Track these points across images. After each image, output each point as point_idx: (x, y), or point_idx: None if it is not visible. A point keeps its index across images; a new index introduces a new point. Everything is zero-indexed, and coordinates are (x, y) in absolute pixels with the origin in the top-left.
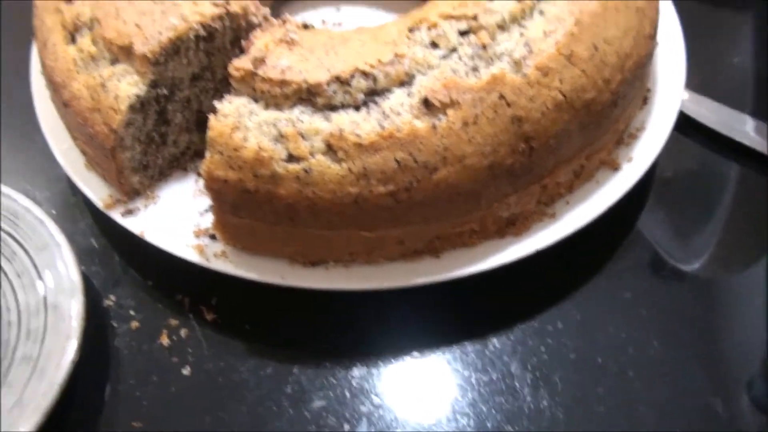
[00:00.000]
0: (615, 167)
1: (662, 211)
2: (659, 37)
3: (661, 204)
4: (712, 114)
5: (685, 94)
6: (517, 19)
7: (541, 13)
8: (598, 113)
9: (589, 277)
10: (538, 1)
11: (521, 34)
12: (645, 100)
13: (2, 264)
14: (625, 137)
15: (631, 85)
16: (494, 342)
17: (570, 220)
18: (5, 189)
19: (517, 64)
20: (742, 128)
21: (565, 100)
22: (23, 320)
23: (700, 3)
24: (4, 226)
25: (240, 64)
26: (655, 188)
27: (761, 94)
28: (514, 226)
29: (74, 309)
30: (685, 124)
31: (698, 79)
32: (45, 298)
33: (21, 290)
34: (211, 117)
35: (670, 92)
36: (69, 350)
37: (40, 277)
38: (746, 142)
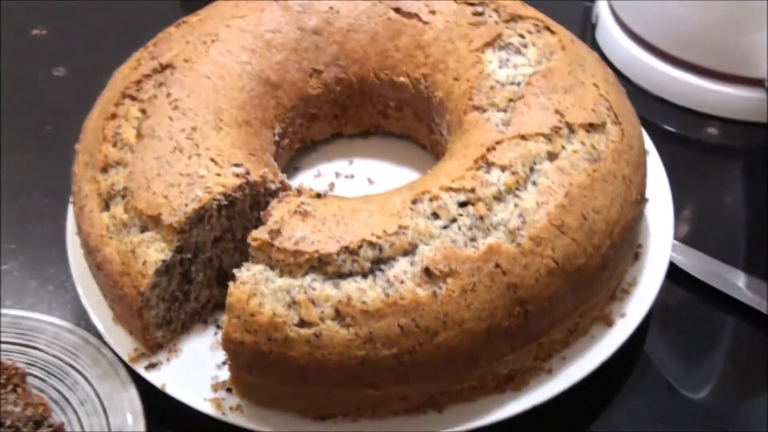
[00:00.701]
0: (609, 323)
1: (657, 360)
2: (648, 194)
3: (654, 352)
4: (704, 267)
5: (677, 247)
6: (511, 190)
7: (534, 183)
8: (589, 276)
9: (587, 423)
10: (531, 173)
11: (516, 205)
12: (636, 256)
13: (66, 394)
14: (618, 293)
15: (620, 247)
16: None
17: (566, 375)
18: (64, 323)
19: (512, 234)
20: (736, 283)
21: (557, 267)
22: None
23: (687, 152)
24: (65, 358)
25: (258, 235)
26: (649, 338)
27: (752, 246)
28: (513, 382)
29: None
30: (678, 275)
31: (689, 231)
32: (108, 424)
33: (85, 417)
34: (231, 284)
35: (660, 247)
36: None
37: (102, 405)
38: (740, 298)
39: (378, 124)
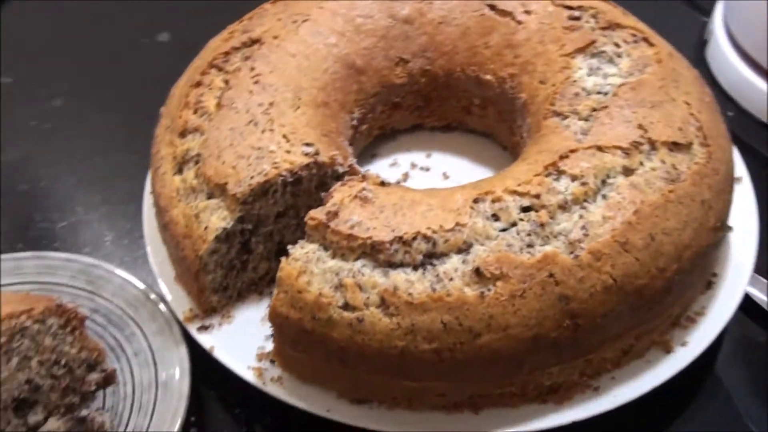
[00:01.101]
0: (667, 349)
1: (721, 394)
2: (732, 222)
3: (720, 385)
4: None
5: (757, 280)
6: (579, 201)
7: (604, 197)
8: (649, 298)
9: None
10: (603, 186)
11: (581, 216)
12: (709, 285)
13: (123, 343)
14: (682, 320)
15: (688, 273)
16: None
17: (614, 396)
18: (130, 277)
19: (572, 245)
20: None
21: (615, 285)
22: (137, 395)
23: None
24: (127, 309)
25: (315, 215)
26: (717, 370)
27: None
28: (556, 395)
29: (183, 390)
30: (754, 310)
31: None
32: (157, 377)
33: (137, 368)
34: (283, 259)
35: (737, 279)
36: (175, 426)
37: (154, 358)
38: None
39: (461, 120)
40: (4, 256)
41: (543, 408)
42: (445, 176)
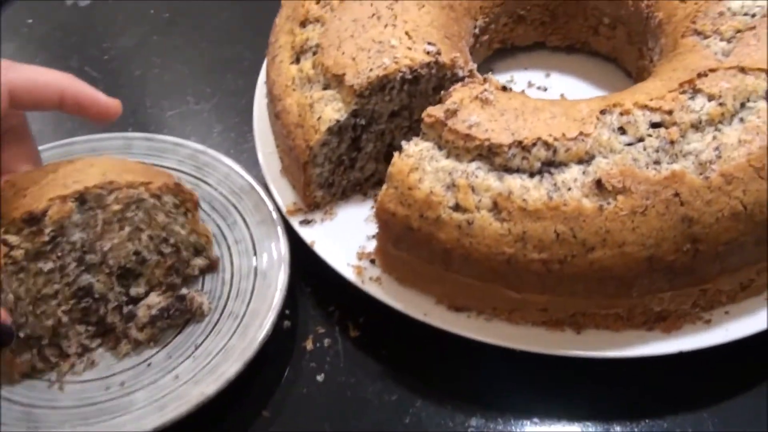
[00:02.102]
0: None
1: None
2: None
3: None
4: None
5: None
6: (714, 122)
7: (742, 120)
8: None
9: (734, 390)
10: (742, 108)
11: (714, 138)
12: None
13: (224, 230)
14: None
15: None
16: (616, 428)
17: (725, 330)
18: (236, 167)
19: (702, 166)
20: None
21: (744, 212)
22: (235, 281)
23: None
24: (230, 198)
25: (433, 112)
26: None
27: None
28: (664, 322)
29: (281, 280)
30: None
31: None
32: (256, 266)
33: (237, 255)
34: (396, 154)
35: None
36: (271, 314)
37: (254, 247)
38: None
39: (585, 41)
40: (114, 134)
41: (648, 335)
42: (563, 98)
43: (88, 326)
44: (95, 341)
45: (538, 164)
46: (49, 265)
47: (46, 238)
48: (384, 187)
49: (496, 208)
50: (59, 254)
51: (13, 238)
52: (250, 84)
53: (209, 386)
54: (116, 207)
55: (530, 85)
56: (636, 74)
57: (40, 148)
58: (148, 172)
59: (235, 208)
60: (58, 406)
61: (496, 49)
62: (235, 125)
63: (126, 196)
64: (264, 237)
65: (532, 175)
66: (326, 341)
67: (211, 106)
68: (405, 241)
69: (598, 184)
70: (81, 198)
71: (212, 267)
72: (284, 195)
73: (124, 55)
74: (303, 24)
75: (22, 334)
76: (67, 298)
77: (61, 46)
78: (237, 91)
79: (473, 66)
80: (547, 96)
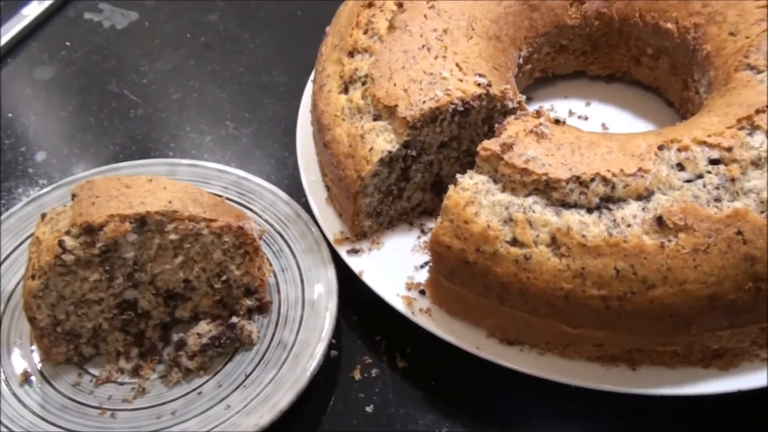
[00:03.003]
0: None
1: None
2: None
3: None
4: None
5: None
6: None
7: None
8: None
9: None
10: None
11: None
12: None
13: (270, 258)
14: None
15: None
16: None
17: None
18: (282, 194)
19: (764, 204)
20: None
21: None
22: (282, 310)
23: None
24: (276, 226)
25: (489, 146)
26: None
27: None
28: (721, 360)
29: (330, 309)
30: None
31: None
32: (304, 295)
33: (284, 283)
34: (451, 187)
35: None
36: (321, 344)
37: (301, 275)
38: None
39: (627, 70)
40: (159, 160)
41: (705, 373)
42: (604, 127)
43: (127, 336)
44: (133, 351)
45: (596, 200)
46: (96, 276)
47: (97, 251)
48: (438, 220)
49: (554, 243)
50: (108, 267)
51: (70, 243)
52: (287, 110)
53: (263, 417)
54: (174, 237)
55: (571, 113)
56: (680, 105)
57: (84, 173)
58: (218, 209)
59: (281, 236)
60: None
61: (537, 78)
62: (275, 151)
63: (185, 228)
64: (311, 266)
65: (590, 210)
66: (374, 371)
67: (250, 131)
68: (459, 274)
69: (659, 221)
70: (141, 220)
71: (262, 309)
72: (330, 224)
73: (162, 78)
74: (351, 54)
75: (60, 330)
76: (110, 307)
77: (100, 70)
78: (275, 116)
79: (522, 98)
80: (588, 125)
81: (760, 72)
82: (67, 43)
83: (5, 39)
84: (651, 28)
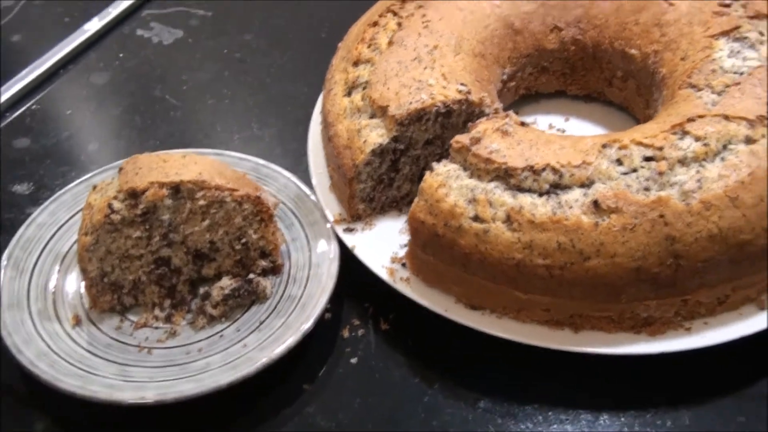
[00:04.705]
0: (762, 307)
1: None
2: None
3: None
4: None
5: None
6: (698, 159)
7: (722, 159)
8: (750, 255)
9: (710, 393)
10: (724, 149)
11: (697, 171)
12: None
13: (283, 230)
14: None
15: None
16: (605, 417)
17: (703, 338)
18: (293, 177)
19: (685, 195)
20: None
21: (719, 234)
22: (292, 272)
23: None
24: (288, 204)
25: (460, 139)
26: None
27: None
28: (650, 327)
29: (332, 271)
30: None
31: None
32: (310, 258)
33: (294, 251)
34: (427, 173)
35: None
36: (324, 295)
37: (308, 243)
38: None
39: (601, 91)
40: (190, 150)
41: (636, 337)
42: (560, 134)
43: (161, 289)
44: (166, 302)
45: (546, 186)
46: (138, 233)
47: (139, 212)
48: (416, 199)
49: (509, 219)
50: (147, 227)
51: (118, 205)
52: (306, 115)
53: (274, 352)
54: (202, 202)
55: (551, 127)
56: (643, 122)
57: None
58: (239, 181)
59: (292, 212)
60: (147, 365)
61: (522, 95)
62: (292, 150)
63: (212, 195)
64: (317, 235)
65: (540, 194)
66: (360, 332)
67: (273, 132)
68: (431, 246)
69: (595, 203)
70: (176, 188)
71: (275, 270)
72: (331, 207)
73: (200, 86)
74: (356, 64)
75: (106, 280)
76: (148, 263)
77: (147, 78)
78: (296, 120)
79: (499, 105)
80: None
81: (699, 89)
82: (121, 55)
83: (68, 49)
84: (619, 54)
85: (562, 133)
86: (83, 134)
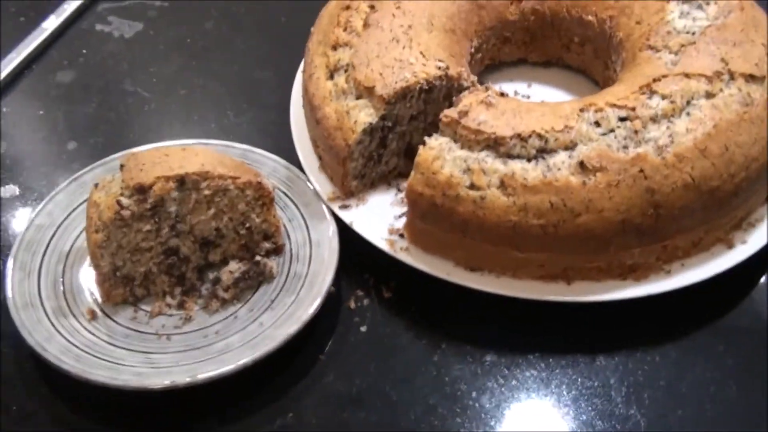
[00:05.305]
0: (729, 245)
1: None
2: None
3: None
4: None
5: None
6: (667, 116)
7: (688, 114)
8: (719, 199)
9: (691, 328)
10: (688, 105)
11: (668, 127)
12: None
13: (278, 212)
14: (744, 224)
15: (753, 182)
16: (601, 359)
17: (682, 279)
18: (281, 161)
19: (659, 149)
20: None
21: (693, 183)
22: (293, 250)
23: None
24: (280, 186)
25: (449, 113)
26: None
27: None
28: (635, 273)
29: (334, 245)
30: None
31: None
32: (309, 236)
33: (292, 230)
34: (421, 147)
35: None
36: (330, 270)
37: (306, 223)
38: None
39: (560, 56)
40: (171, 142)
41: (623, 283)
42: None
43: (171, 278)
44: (177, 289)
45: (533, 151)
46: (147, 227)
47: (148, 206)
48: (412, 173)
49: (503, 185)
50: (156, 220)
51: (126, 201)
52: (279, 98)
53: (291, 327)
54: (207, 192)
55: (516, 93)
56: (602, 83)
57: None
58: (239, 168)
59: (285, 194)
60: (169, 351)
61: (487, 65)
62: (271, 133)
63: (216, 185)
64: (312, 214)
65: (529, 160)
66: (365, 301)
67: (249, 118)
68: (430, 215)
69: (581, 164)
70: (181, 180)
71: (278, 251)
72: (324, 186)
73: (169, 77)
74: (334, 47)
75: (118, 274)
76: (158, 254)
77: (114, 73)
78: (269, 105)
79: (474, 78)
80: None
81: (658, 51)
82: (84, 51)
83: (30, 48)
84: (576, 21)
85: (527, 98)
86: (59, 133)
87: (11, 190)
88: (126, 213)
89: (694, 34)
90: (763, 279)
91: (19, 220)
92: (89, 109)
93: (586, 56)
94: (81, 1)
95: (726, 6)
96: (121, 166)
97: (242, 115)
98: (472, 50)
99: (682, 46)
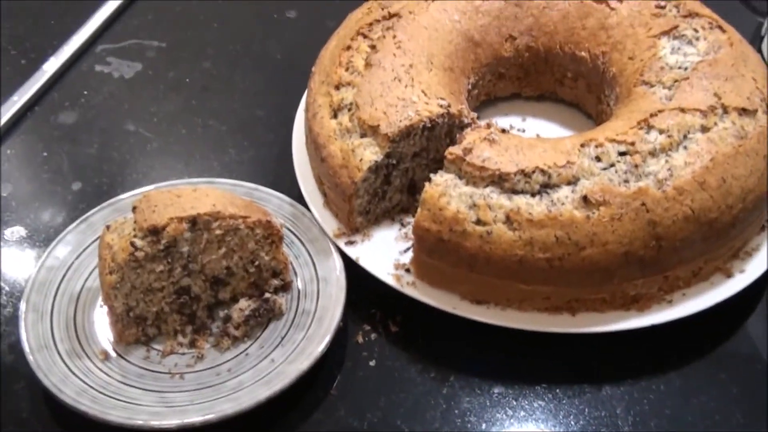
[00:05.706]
0: (728, 275)
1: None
2: None
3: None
4: None
5: None
6: (665, 150)
7: (685, 148)
8: (718, 230)
9: (694, 356)
10: (684, 139)
11: (666, 161)
12: (763, 228)
13: (284, 250)
14: (741, 254)
15: (750, 213)
16: (607, 389)
17: (684, 308)
18: (286, 198)
19: (660, 183)
20: None
21: (693, 215)
22: (300, 286)
23: None
24: (286, 224)
25: (453, 151)
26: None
27: None
28: (638, 304)
29: (341, 282)
30: None
31: None
32: (317, 273)
33: (299, 267)
34: (427, 184)
35: None
36: (339, 306)
37: (312, 259)
38: None
39: (553, 91)
40: (179, 181)
41: (627, 314)
42: (538, 136)
43: (182, 317)
44: (188, 328)
45: (537, 186)
46: (160, 267)
47: (162, 247)
48: (419, 210)
49: (509, 220)
50: (169, 260)
51: (140, 242)
52: (279, 136)
53: (303, 363)
54: (218, 232)
55: (511, 127)
56: (596, 116)
57: (119, 197)
58: (249, 208)
59: (290, 231)
60: (182, 390)
61: (482, 100)
62: (272, 170)
63: (227, 225)
64: (318, 251)
65: (533, 195)
66: (373, 336)
67: (250, 156)
68: (437, 250)
69: (585, 199)
70: (194, 221)
71: (286, 288)
72: (329, 223)
73: (170, 117)
74: (337, 87)
75: (131, 314)
76: (170, 293)
77: (116, 113)
78: (269, 143)
79: (474, 115)
80: (525, 136)
81: (652, 86)
82: (84, 92)
83: (32, 91)
84: (569, 57)
85: (522, 132)
86: (64, 174)
87: (18, 231)
88: (140, 254)
89: (686, 69)
90: (761, 306)
91: (27, 261)
92: (92, 149)
93: (579, 90)
94: (81, 41)
95: (716, 42)
96: (134, 208)
97: (243, 152)
98: (469, 87)
99: (676, 81)
